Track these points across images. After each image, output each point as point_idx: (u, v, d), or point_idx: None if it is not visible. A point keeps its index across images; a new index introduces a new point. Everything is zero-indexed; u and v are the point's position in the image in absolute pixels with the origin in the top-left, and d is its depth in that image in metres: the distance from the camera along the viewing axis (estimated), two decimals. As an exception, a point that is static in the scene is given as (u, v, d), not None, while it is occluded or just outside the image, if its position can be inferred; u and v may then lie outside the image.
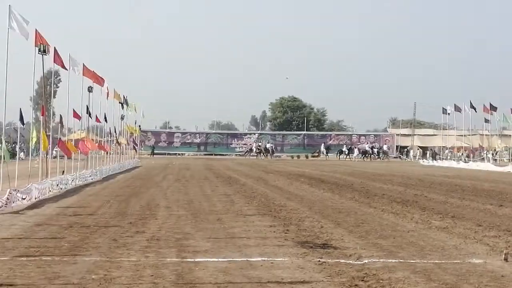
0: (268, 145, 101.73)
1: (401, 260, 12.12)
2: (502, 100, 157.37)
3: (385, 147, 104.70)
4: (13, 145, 65.19)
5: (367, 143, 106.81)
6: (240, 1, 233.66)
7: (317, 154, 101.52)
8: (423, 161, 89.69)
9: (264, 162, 78.97)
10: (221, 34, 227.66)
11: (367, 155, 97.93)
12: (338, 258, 12.30)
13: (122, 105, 55.53)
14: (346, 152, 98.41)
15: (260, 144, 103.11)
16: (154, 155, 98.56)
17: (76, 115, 34.79)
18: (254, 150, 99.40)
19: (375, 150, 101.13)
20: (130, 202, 22.95)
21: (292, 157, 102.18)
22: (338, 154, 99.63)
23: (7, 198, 20.05)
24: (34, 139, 27.46)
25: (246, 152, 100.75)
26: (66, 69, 32.10)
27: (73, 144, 36.00)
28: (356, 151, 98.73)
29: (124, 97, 56.90)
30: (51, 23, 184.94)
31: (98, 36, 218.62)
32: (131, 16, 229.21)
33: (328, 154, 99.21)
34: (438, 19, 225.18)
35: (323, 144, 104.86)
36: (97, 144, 44.91)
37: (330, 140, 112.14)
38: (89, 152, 39.32)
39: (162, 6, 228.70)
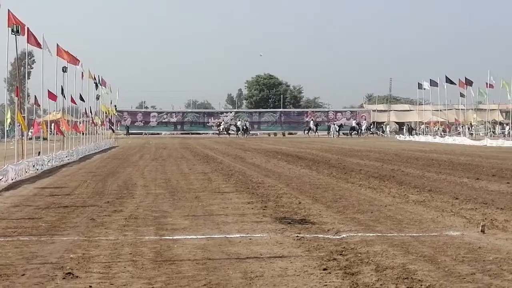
0: (238, 123, 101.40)
1: (379, 234, 12.16)
2: (478, 75, 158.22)
3: (365, 124, 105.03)
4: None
5: (350, 119, 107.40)
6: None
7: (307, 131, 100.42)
8: (400, 137, 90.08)
9: (241, 140, 78.95)
10: (196, 13, 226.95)
11: (354, 131, 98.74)
12: (317, 233, 12.33)
13: (96, 85, 55.21)
14: (337, 129, 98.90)
15: (227, 122, 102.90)
16: (129, 135, 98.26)
17: (51, 96, 34.49)
18: (222, 128, 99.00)
19: (363, 126, 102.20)
20: (107, 182, 22.89)
21: (269, 134, 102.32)
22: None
23: (-17, 180, 19.94)
24: (9, 120, 27.27)
25: (220, 132, 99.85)
26: (41, 48, 31.82)
27: (47, 125, 35.79)
28: (332, 127, 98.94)
29: (98, 77, 56.57)
30: (22, 3, 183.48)
31: (71, 16, 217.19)
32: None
33: (318, 132, 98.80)
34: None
35: (312, 121, 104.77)
36: (72, 125, 44.74)
37: (307, 117, 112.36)
38: (64, 133, 39.11)
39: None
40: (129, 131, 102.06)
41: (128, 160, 36.71)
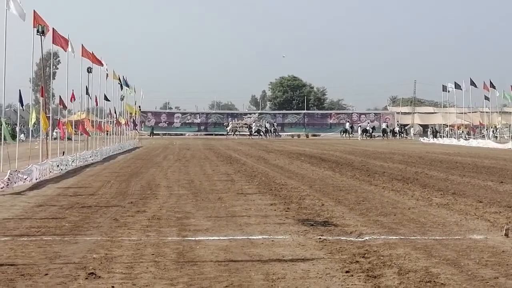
0: (267, 125, 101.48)
1: (401, 237, 12.12)
2: (502, 78, 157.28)
3: (384, 125, 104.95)
4: (13, 126, 65.14)
5: (369, 122, 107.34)
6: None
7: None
8: (424, 139, 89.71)
9: (265, 141, 78.94)
10: (221, 14, 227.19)
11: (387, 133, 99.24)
12: (339, 235, 12.31)
13: (121, 85, 55.41)
14: (371, 131, 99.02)
15: (254, 124, 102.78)
16: (153, 136, 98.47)
17: (72, 97, 34.66)
18: (253, 129, 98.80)
19: (396, 129, 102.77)
20: (131, 182, 22.96)
21: (292, 136, 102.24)
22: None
23: (8, 179, 20.06)
24: (33, 120, 27.41)
25: (250, 134, 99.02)
26: (65, 50, 31.96)
27: (73, 125, 35.96)
28: (359, 129, 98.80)
29: (123, 77, 56.78)
30: (49, 4, 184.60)
31: (97, 19, 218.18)
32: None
33: (353, 133, 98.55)
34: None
35: (347, 122, 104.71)
36: (97, 125, 44.99)
37: (331, 119, 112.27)
38: (89, 134, 39.29)
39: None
40: (153, 132, 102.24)
41: (151, 160, 36.80)
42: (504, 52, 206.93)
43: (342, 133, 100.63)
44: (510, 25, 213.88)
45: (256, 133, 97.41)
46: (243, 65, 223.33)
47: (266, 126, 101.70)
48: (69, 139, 36.36)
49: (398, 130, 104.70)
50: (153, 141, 74.18)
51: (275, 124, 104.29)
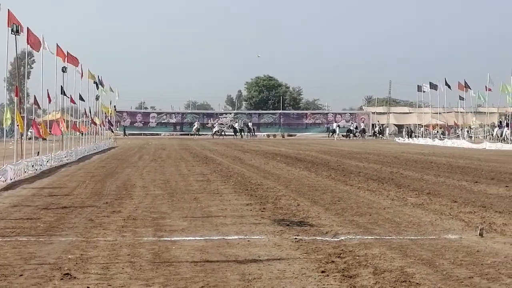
0: (236, 125, 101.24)
1: (377, 237, 12.17)
2: (477, 78, 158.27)
3: (362, 125, 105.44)
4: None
5: (346, 121, 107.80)
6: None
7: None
8: (399, 139, 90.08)
9: (241, 141, 78.93)
10: (196, 13, 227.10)
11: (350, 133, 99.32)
12: (315, 235, 12.33)
13: (97, 85, 55.18)
14: (355, 131, 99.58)
15: (237, 124, 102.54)
16: (126, 135, 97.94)
17: (48, 98, 34.49)
18: (216, 129, 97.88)
19: (377, 129, 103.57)
20: (106, 183, 22.88)
21: (268, 136, 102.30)
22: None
23: (-18, 180, 19.93)
24: (9, 121, 27.25)
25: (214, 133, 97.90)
26: (38, 51, 31.77)
27: (47, 125, 35.74)
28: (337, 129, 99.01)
29: (98, 77, 56.56)
30: (23, 3, 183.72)
31: (71, 16, 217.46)
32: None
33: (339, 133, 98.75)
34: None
35: (334, 123, 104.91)
36: (72, 125, 44.78)
37: (307, 119, 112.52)
38: (62, 133, 39.01)
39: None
40: (126, 132, 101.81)
41: (127, 160, 36.71)
42: (479, 52, 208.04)
43: (330, 134, 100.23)
44: (486, 26, 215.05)
45: (238, 133, 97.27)
46: (219, 65, 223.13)
47: (241, 126, 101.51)
48: (44, 139, 36.10)
49: (378, 130, 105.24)
50: (128, 141, 74.00)
51: (250, 123, 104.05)
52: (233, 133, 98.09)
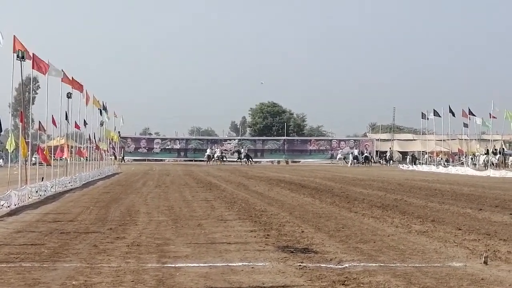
0: (242, 150, 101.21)
1: (381, 264, 12.15)
2: (481, 105, 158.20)
3: (366, 153, 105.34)
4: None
5: (350, 148, 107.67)
6: (214, 7, 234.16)
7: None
8: (403, 166, 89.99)
9: (245, 167, 78.92)
10: (200, 40, 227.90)
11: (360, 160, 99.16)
12: (319, 262, 12.32)
13: (101, 111, 55.34)
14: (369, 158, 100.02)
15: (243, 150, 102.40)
16: (124, 161, 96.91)
17: (53, 122, 34.66)
18: (214, 155, 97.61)
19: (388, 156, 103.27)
20: (110, 208, 22.87)
21: (272, 162, 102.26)
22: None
23: (-14, 205, 19.93)
24: (13, 146, 27.30)
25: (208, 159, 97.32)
26: (44, 74, 31.91)
27: (52, 151, 35.82)
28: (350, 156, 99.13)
29: (103, 103, 56.73)
30: (28, 29, 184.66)
31: (75, 43, 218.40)
32: (108, 22, 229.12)
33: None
34: (416, 25, 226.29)
35: (355, 149, 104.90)
36: (77, 151, 44.87)
37: (311, 145, 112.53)
38: (65, 158, 39.05)
39: (138, 11, 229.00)
40: (124, 157, 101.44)
41: (131, 186, 36.71)
42: (483, 79, 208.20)
43: (352, 162, 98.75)
44: (490, 53, 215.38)
45: (244, 159, 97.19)
46: (223, 91, 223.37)
47: (246, 152, 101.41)
48: (48, 164, 36.15)
49: (389, 157, 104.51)
50: (132, 167, 73.99)
51: (244, 149, 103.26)
52: (237, 159, 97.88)
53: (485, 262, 12.19)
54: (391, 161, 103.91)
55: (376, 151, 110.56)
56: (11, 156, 28.73)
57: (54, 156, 35.64)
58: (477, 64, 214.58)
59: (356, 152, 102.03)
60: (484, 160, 76.82)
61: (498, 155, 76.12)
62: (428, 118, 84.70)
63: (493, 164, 72.85)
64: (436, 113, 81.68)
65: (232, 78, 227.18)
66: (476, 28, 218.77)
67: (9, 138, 26.82)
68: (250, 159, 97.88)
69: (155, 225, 17.96)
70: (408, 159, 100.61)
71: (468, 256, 13.11)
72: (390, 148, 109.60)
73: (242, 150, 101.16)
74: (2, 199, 21.61)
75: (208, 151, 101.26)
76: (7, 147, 26.73)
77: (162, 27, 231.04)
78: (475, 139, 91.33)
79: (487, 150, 78.93)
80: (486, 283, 10.54)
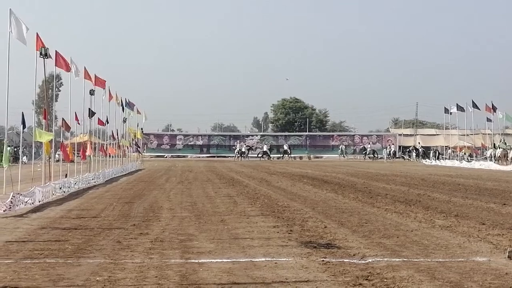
0: (265, 147, 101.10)
1: (405, 259, 12.12)
2: (504, 100, 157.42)
3: (393, 148, 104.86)
4: (16, 149, 65.20)
5: (370, 143, 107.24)
6: (239, 2, 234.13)
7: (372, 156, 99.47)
8: (426, 161, 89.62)
9: (267, 163, 78.90)
10: (224, 36, 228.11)
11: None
12: (342, 257, 12.31)
13: (123, 108, 55.52)
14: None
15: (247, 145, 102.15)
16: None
17: (76, 119, 34.92)
18: (241, 150, 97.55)
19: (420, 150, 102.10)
20: (134, 205, 22.95)
21: (295, 158, 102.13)
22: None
23: (11, 202, 20.06)
24: (48, 137, 27.33)
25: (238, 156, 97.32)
26: (69, 71, 32.11)
27: (75, 148, 36.00)
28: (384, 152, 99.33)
29: (126, 100, 56.90)
30: (50, 27, 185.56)
31: (98, 40, 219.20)
32: (131, 18, 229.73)
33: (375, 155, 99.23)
34: (440, 19, 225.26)
35: (368, 144, 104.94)
36: (100, 147, 45.11)
37: (333, 141, 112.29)
38: (87, 157, 39.24)
39: (162, 9, 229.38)
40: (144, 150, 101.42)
41: (154, 183, 36.80)
42: (505, 73, 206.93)
43: (371, 156, 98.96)
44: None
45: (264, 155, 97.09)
46: (245, 87, 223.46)
47: (268, 147, 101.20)
48: (72, 161, 36.32)
49: (422, 151, 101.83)
50: (155, 163, 74.19)
51: (267, 145, 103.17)
52: (261, 155, 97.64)
53: (509, 257, 12.13)
54: (420, 157, 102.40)
55: (399, 146, 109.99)
56: (34, 152, 28.88)
57: (78, 154, 35.77)
58: (501, 58, 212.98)
59: (392, 148, 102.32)
60: (490, 154, 76.84)
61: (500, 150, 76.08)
62: (451, 113, 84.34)
63: (494, 157, 73.98)
64: (459, 108, 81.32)
65: (254, 73, 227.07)
66: (500, 22, 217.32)
67: (37, 134, 26.86)
68: (268, 155, 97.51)
69: (178, 221, 18.01)
70: (431, 154, 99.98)
71: (492, 251, 13.06)
72: (419, 142, 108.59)
73: (265, 147, 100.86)
74: (26, 195, 21.73)
75: (238, 146, 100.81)
76: (38, 139, 26.76)
77: (184, 22, 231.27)
78: (499, 134, 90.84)
79: (494, 144, 78.64)
80: (510, 278, 10.49)
